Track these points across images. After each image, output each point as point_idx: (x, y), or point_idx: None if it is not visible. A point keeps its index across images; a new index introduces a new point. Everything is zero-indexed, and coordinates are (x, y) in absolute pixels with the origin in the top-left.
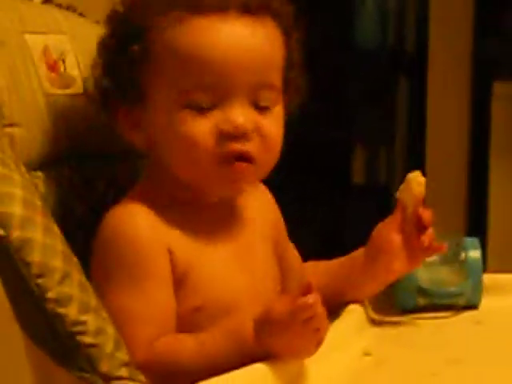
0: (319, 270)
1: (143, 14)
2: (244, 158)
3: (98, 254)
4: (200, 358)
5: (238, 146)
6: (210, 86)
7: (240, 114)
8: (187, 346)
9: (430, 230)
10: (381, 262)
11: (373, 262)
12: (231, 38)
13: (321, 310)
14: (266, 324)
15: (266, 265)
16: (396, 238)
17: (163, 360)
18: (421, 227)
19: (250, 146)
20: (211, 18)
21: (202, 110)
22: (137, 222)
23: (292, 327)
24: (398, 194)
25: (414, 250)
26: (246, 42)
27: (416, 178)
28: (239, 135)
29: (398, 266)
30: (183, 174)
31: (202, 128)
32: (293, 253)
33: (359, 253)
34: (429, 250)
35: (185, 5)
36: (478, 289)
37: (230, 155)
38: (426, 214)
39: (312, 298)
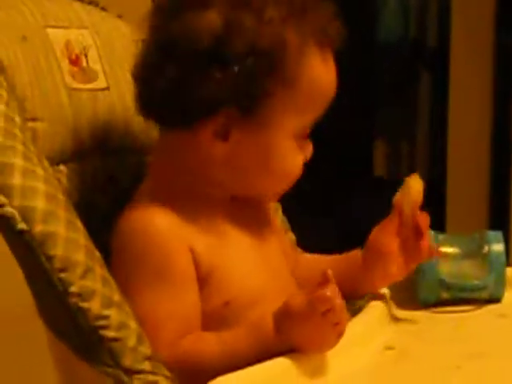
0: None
1: (280, 36)
2: None
3: (119, 255)
4: (223, 356)
5: None
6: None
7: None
8: (210, 345)
9: (428, 234)
10: (378, 266)
11: (371, 266)
12: (335, 75)
13: (340, 301)
14: (285, 317)
15: (281, 255)
16: (393, 242)
17: (187, 358)
18: (418, 231)
19: None
20: (328, 55)
21: (302, 141)
22: (157, 222)
23: (311, 319)
24: (395, 198)
25: (411, 254)
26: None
27: (414, 182)
28: None
29: (395, 270)
30: (252, 189)
31: (300, 161)
32: (286, 236)
33: (355, 254)
34: (426, 254)
35: (315, 38)
36: (501, 282)
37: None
38: (424, 219)
39: (330, 291)
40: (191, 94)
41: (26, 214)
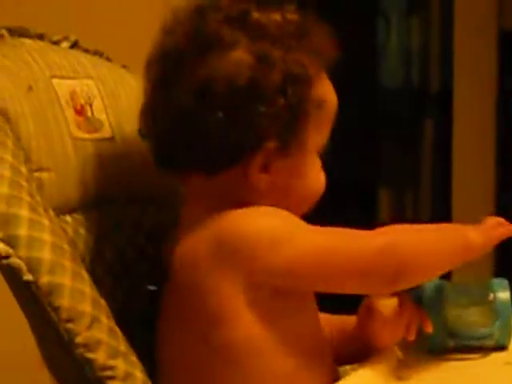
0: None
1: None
2: None
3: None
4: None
5: None
6: None
7: None
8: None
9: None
10: (369, 347)
11: (362, 346)
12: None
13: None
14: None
15: None
16: (382, 333)
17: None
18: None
19: None
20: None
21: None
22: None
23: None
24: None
25: (398, 328)
26: None
27: (383, 305)
28: None
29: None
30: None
31: (324, 177)
32: None
33: (350, 322)
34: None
35: (320, 59)
36: (506, 330)
37: None
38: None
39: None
40: (238, 133)
41: (33, 265)
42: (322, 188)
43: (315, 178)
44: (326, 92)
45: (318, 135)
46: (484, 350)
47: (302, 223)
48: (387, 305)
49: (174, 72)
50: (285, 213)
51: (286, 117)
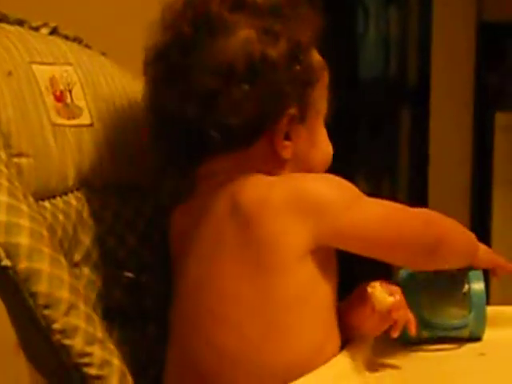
0: None
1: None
2: None
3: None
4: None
5: None
6: None
7: None
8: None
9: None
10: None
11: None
12: None
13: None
14: None
15: None
16: (368, 320)
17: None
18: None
19: None
20: None
21: None
22: None
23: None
24: (369, 290)
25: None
26: None
27: (379, 294)
28: None
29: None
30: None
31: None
32: None
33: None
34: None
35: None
36: (481, 321)
37: None
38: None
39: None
40: (264, 102)
41: (11, 251)
42: (330, 158)
43: (326, 148)
44: (320, 58)
45: (323, 101)
46: (458, 341)
47: (361, 192)
48: (382, 300)
49: (185, 60)
50: (345, 182)
51: (302, 81)
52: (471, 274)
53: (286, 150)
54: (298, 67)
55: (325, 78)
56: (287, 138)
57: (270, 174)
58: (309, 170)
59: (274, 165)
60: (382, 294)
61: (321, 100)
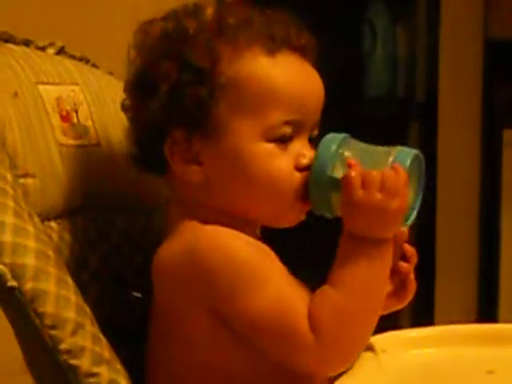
0: None
1: (210, 51)
2: None
3: (212, 274)
4: (350, 288)
5: None
6: (293, 122)
7: (310, 148)
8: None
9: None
10: None
11: None
12: (310, 76)
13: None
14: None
15: None
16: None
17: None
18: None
19: None
20: (288, 58)
21: (284, 144)
22: (236, 233)
23: (369, 200)
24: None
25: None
26: (319, 81)
27: None
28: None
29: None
30: (253, 208)
31: (285, 164)
32: None
33: None
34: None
35: (260, 44)
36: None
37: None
38: (410, 250)
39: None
40: (143, 125)
41: (17, 272)
42: (283, 179)
43: (264, 167)
44: (245, 72)
45: (245, 119)
46: None
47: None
48: None
49: None
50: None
51: (182, 103)
52: (404, 149)
53: (192, 174)
54: (165, 88)
55: (246, 94)
56: (196, 161)
57: (198, 201)
58: (251, 195)
59: (195, 192)
60: None
61: (239, 119)
